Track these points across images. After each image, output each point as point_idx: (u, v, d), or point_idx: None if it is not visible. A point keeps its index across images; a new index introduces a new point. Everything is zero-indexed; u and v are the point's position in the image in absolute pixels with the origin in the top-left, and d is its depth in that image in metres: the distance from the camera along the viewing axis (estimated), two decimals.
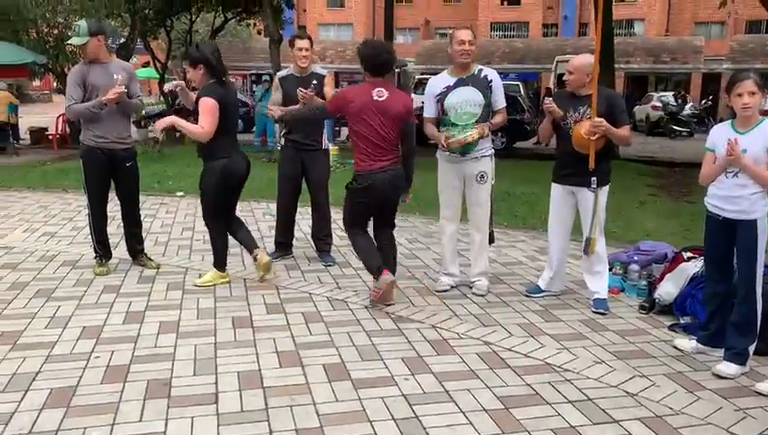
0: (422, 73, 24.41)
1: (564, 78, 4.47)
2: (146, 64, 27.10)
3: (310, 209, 5.52)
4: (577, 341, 3.85)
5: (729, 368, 3.40)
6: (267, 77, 14.04)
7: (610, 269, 4.68)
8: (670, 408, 3.06)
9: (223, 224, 4.70)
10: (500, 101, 4.53)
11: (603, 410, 3.02)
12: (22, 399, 2.99)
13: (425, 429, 2.82)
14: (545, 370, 3.44)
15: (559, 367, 3.47)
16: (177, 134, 13.52)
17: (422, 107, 4.65)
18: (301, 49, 5.13)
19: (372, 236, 4.45)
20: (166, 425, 2.80)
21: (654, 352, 3.71)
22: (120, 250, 5.28)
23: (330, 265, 5.26)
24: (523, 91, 19.30)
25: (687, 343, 3.76)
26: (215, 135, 4.38)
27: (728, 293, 3.56)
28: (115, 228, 5.50)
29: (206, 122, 4.34)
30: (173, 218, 7.00)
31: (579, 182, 4.30)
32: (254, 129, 15.14)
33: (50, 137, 15.37)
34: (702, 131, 20.45)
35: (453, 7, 40.87)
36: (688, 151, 16.39)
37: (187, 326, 3.91)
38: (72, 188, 8.49)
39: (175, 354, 3.51)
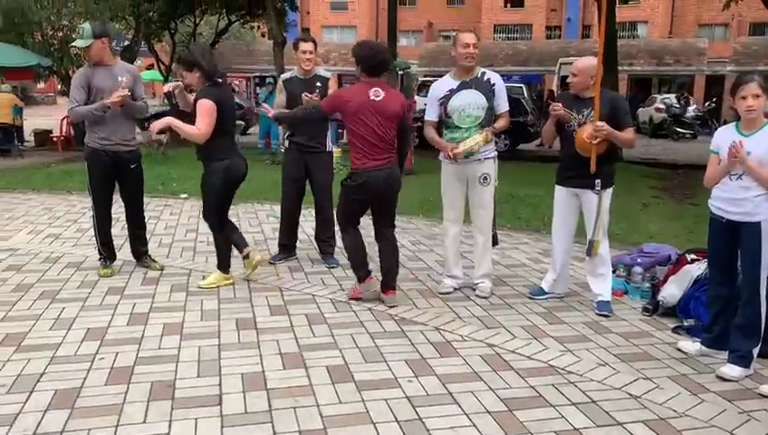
0: (425, 76, 24.46)
1: (568, 80, 4.47)
2: (150, 67, 27.20)
3: (313, 211, 5.53)
4: (580, 343, 3.85)
5: (733, 370, 3.40)
6: (271, 79, 14.05)
7: (614, 271, 4.68)
8: (674, 410, 3.05)
9: (224, 225, 4.70)
10: (503, 105, 4.54)
11: (607, 412, 3.02)
12: (26, 400, 3.00)
13: (428, 431, 2.82)
14: (549, 372, 3.44)
15: (562, 369, 3.47)
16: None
17: (425, 110, 4.66)
18: (304, 51, 5.15)
19: (374, 238, 4.47)
20: (170, 426, 2.80)
21: (657, 355, 3.71)
22: (124, 252, 5.30)
23: (333, 267, 5.26)
24: (526, 94, 19.29)
25: (691, 345, 3.75)
26: (213, 137, 4.39)
27: (732, 295, 3.55)
28: (119, 230, 5.51)
29: (202, 124, 4.35)
30: (177, 220, 7.01)
31: (582, 184, 4.30)
32: (255, 130, 15.17)
33: (54, 139, 15.41)
34: (705, 134, 20.45)
35: (456, 10, 40.87)
36: (691, 153, 16.36)
37: (191, 328, 3.92)
38: (77, 190, 8.51)
39: (179, 356, 3.51)
